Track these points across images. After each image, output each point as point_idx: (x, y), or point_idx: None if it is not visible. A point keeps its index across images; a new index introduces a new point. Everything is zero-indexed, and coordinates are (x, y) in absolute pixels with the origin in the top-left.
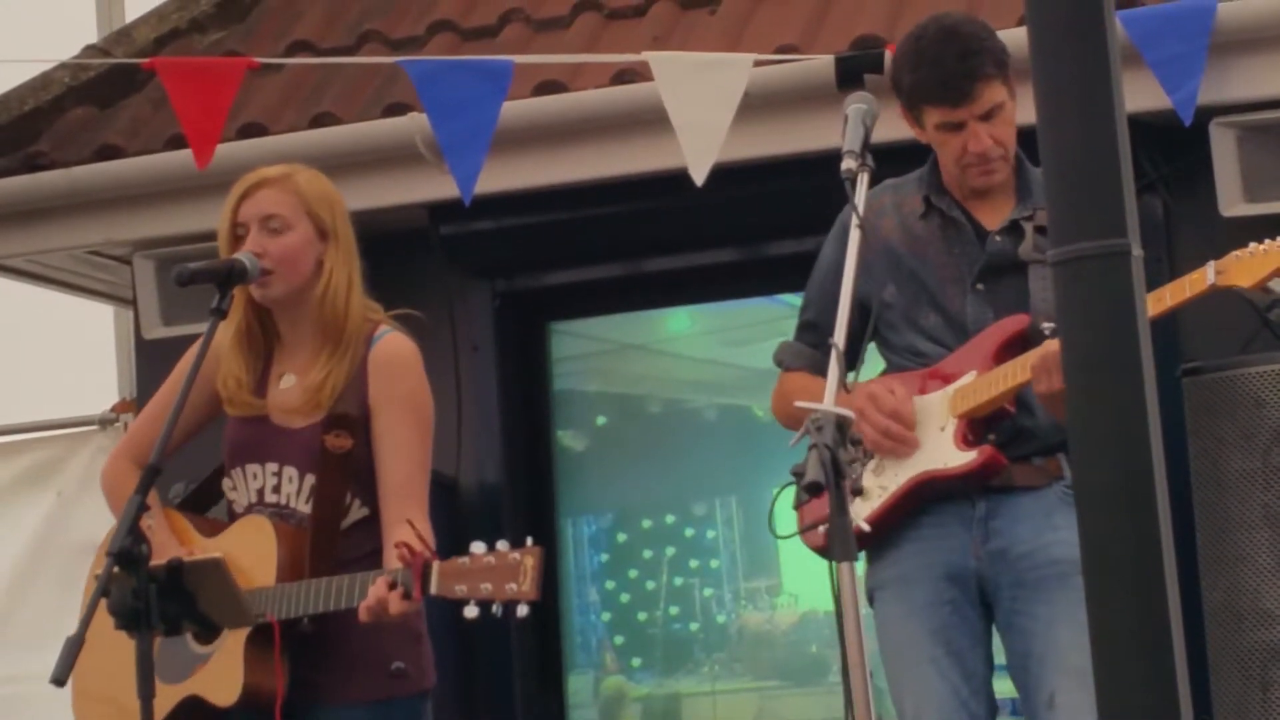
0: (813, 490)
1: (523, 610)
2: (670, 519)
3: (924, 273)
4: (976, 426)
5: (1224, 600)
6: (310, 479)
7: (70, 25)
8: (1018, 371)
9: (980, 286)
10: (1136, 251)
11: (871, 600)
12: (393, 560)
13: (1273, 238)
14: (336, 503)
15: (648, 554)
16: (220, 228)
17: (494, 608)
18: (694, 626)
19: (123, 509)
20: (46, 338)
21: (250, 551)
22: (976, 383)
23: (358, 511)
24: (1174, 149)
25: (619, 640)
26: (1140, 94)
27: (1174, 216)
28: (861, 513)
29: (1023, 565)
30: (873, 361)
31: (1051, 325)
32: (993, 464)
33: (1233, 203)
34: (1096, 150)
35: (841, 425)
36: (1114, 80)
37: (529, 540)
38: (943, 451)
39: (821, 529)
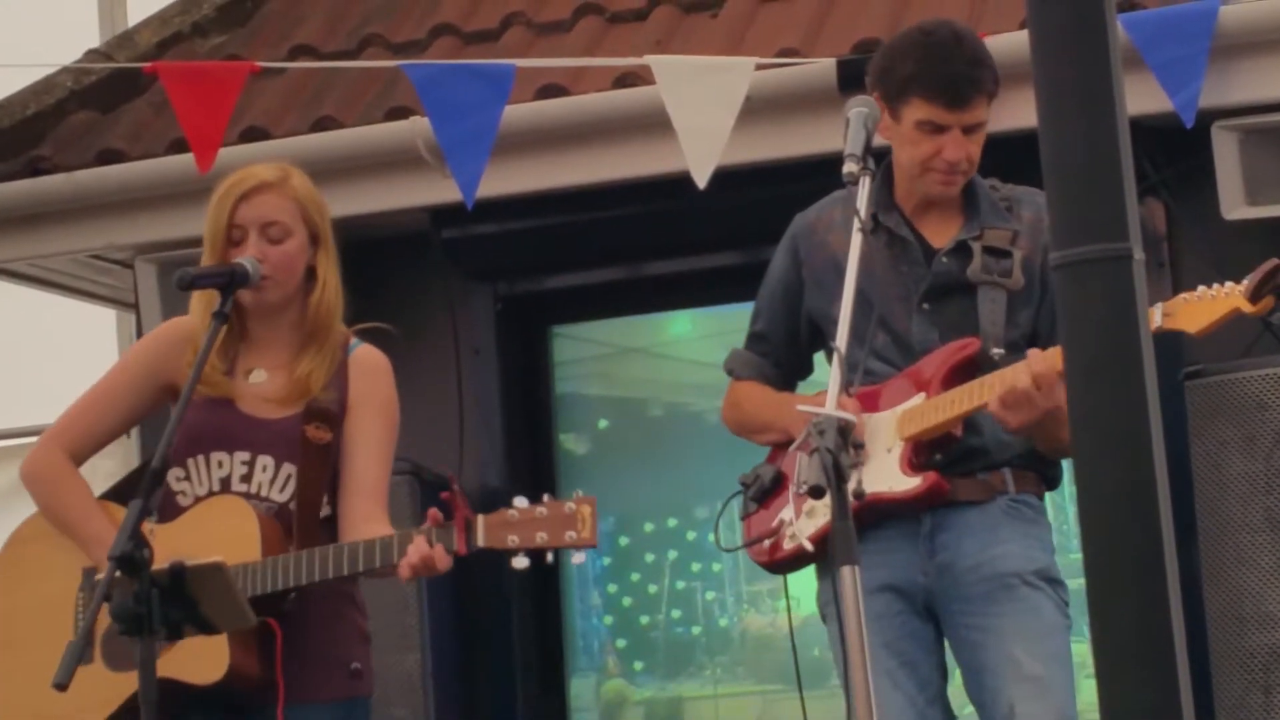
0: (815, 494)
1: (579, 557)
2: (672, 522)
3: (871, 290)
4: (923, 449)
5: (1226, 603)
6: (288, 468)
7: (72, 29)
8: (969, 398)
9: (926, 306)
10: (1138, 255)
11: (824, 618)
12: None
13: (1274, 242)
14: (317, 492)
15: (650, 557)
16: (214, 226)
17: (548, 555)
18: (696, 630)
19: (69, 503)
20: (48, 342)
21: (226, 531)
22: (924, 406)
23: (324, 508)
24: (1176, 152)
25: (621, 643)
26: (1142, 97)
27: (1176, 219)
28: (805, 531)
29: (970, 579)
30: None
31: (1001, 351)
32: (936, 490)
33: (1234, 205)
34: (1098, 153)
35: (843, 429)
36: (1115, 83)
37: (578, 491)
38: (888, 474)
39: (766, 543)
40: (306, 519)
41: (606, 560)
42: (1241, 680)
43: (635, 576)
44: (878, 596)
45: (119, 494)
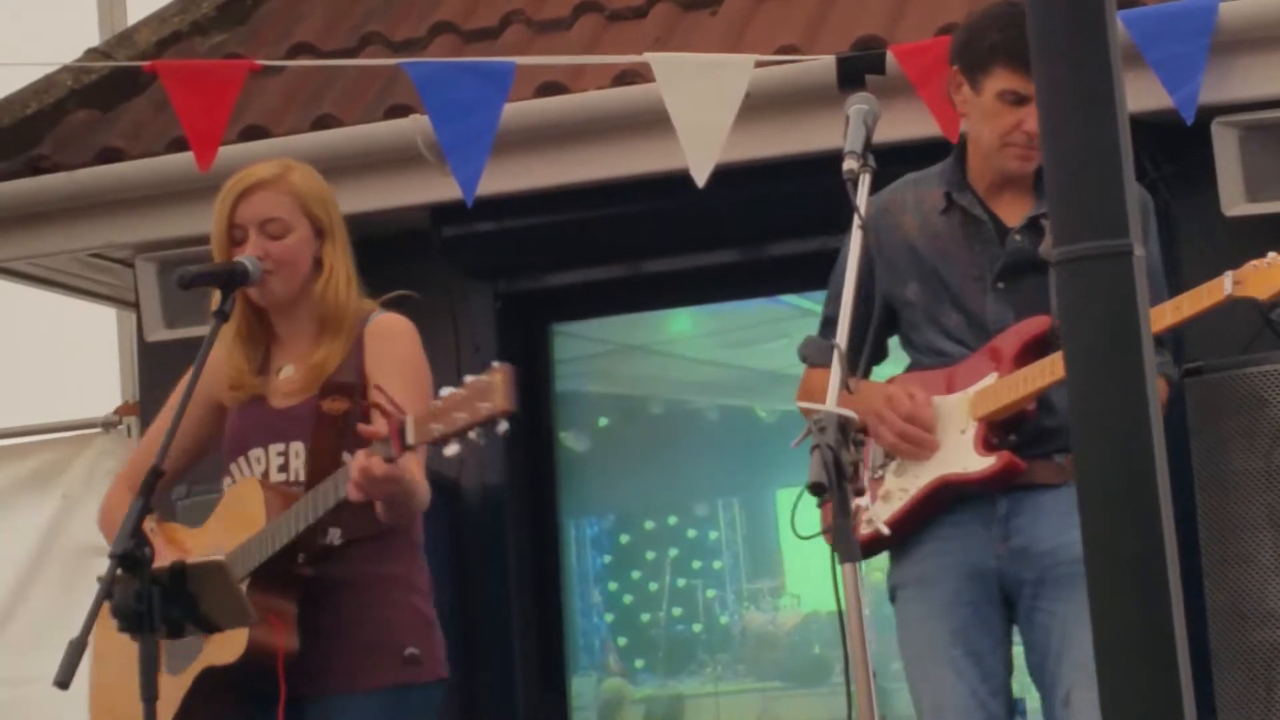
0: (816, 491)
1: (502, 427)
2: (673, 520)
3: (945, 271)
4: (997, 428)
5: (1227, 600)
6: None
7: (72, 28)
8: (1041, 374)
9: (1001, 285)
10: (1138, 251)
11: (893, 599)
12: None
13: (1275, 239)
14: (329, 458)
15: (650, 555)
16: (216, 229)
17: (474, 434)
18: (697, 628)
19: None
20: (49, 341)
21: (241, 511)
22: (997, 385)
23: None
24: (1176, 148)
25: (622, 642)
26: (1142, 93)
27: (1176, 216)
28: (882, 515)
29: (1045, 563)
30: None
31: None
32: (1011, 469)
33: (1235, 202)
34: (1098, 150)
35: (844, 426)
36: (1115, 80)
37: (494, 363)
38: (962, 455)
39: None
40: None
41: (607, 558)
42: (1243, 677)
43: (636, 574)
44: (950, 583)
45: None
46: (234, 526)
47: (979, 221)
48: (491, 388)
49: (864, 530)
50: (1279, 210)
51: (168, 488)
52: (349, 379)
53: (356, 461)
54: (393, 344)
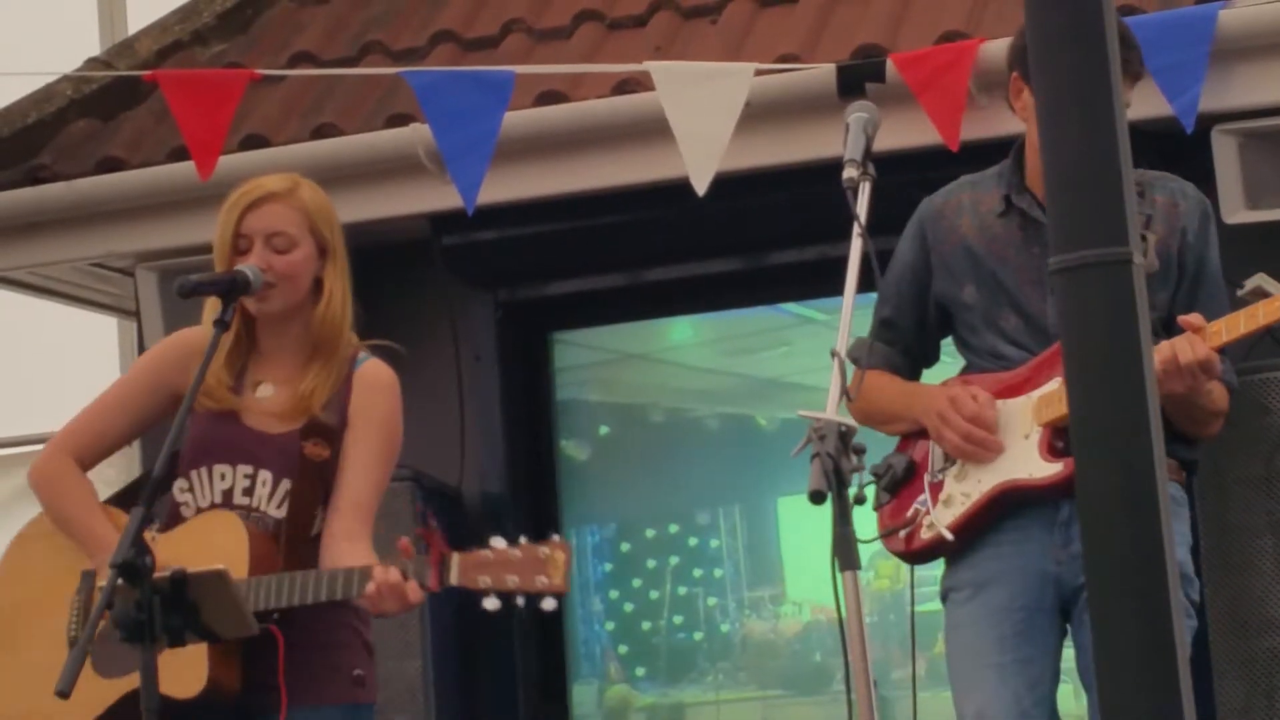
0: (816, 499)
1: (550, 604)
2: (674, 528)
3: (1003, 274)
4: (1062, 434)
5: (1228, 607)
6: (286, 484)
7: (72, 38)
8: None
9: None
10: (1138, 260)
11: (944, 599)
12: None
13: (1275, 247)
14: (310, 509)
15: (651, 563)
16: (220, 236)
17: (518, 599)
18: (698, 636)
19: (72, 506)
20: (50, 350)
21: (217, 546)
22: (1062, 390)
23: (318, 525)
24: (1175, 156)
25: (623, 650)
26: (1141, 101)
27: None
28: (944, 520)
29: None
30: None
31: None
32: None
33: (1235, 210)
34: (1097, 158)
35: (844, 435)
36: (1115, 87)
37: (555, 536)
38: (1027, 461)
39: (902, 533)
40: (296, 536)
41: (608, 566)
42: (1244, 685)
43: (637, 582)
44: (1005, 588)
45: (121, 500)
46: (205, 557)
47: (1038, 224)
48: (552, 564)
49: (925, 535)
50: (1279, 218)
51: (94, 463)
52: (332, 422)
53: (387, 576)
54: (377, 399)
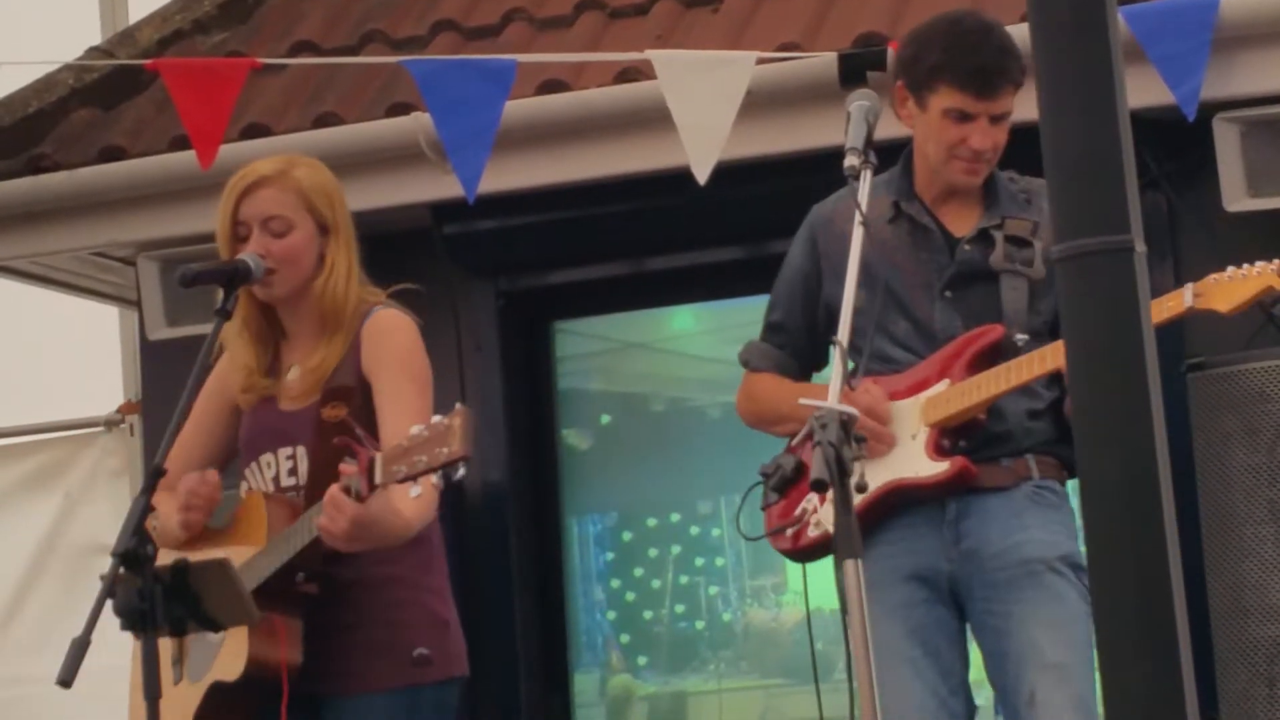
0: (818, 488)
1: (459, 472)
2: (675, 517)
3: (892, 279)
4: (948, 434)
5: (1229, 595)
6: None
7: (73, 27)
8: (994, 383)
9: (949, 294)
10: (1140, 248)
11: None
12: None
13: (1276, 234)
14: (332, 468)
15: (653, 552)
16: (220, 226)
17: (435, 479)
18: (699, 625)
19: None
20: (52, 339)
21: (247, 525)
22: (949, 392)
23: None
24: (1177, 145)
25: (625, 639)
26: (1143, 90)
27: (1178, 212)
28: (830, 518)
29: (994, 565)
30: None
31: (1025, 337)
32: (965, 474)
33: (1236, 198)
34: (1099, 146)
35: (845, 423)
36: (1116, 76)
37: (458, 404)
38: (914, 460)
39: (789, 532)
40: (316, 498)
41: (610, 555)
42: (1245, 673)
43: (638, 572)
44: (902, 585)
45: None
46: (242, 540)
47: (927, 230)
48: (450, 432)
49: (812, 533)
50: None
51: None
52: (347, 382)
53: (328, 499)
54: (389, 341)
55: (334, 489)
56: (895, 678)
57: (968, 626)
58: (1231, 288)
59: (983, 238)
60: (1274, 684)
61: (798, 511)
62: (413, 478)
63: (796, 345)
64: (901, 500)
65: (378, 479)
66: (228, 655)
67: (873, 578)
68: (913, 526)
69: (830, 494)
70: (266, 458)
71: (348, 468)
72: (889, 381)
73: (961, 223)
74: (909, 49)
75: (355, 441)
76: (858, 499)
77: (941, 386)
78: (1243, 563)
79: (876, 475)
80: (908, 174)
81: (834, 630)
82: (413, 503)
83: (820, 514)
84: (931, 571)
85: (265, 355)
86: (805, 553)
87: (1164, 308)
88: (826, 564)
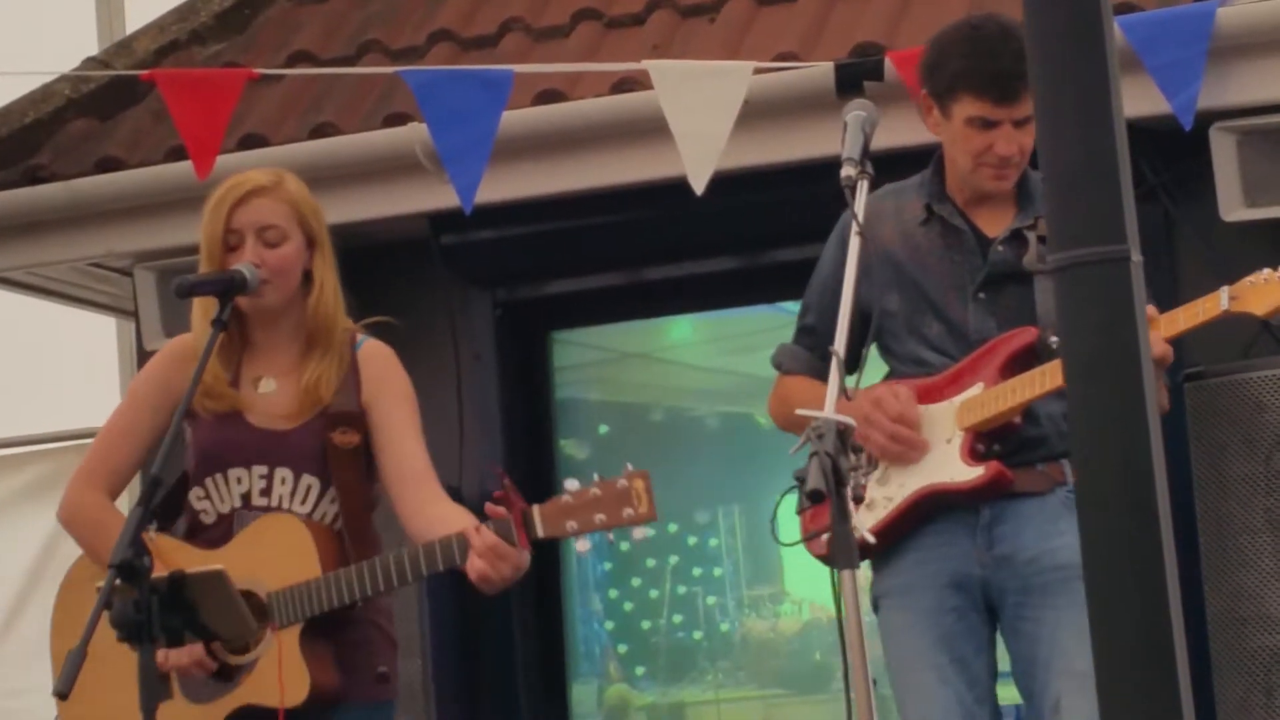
0: (815, 498)
1: (641, 533)
2: (673, 527)
3: (925, 281)
4: (983, 438)
5: (1227, 605)
6: (307, 479)
7: (70, 37)
8: (1029, 386)
9: (982, 295)
10: (1136, 257)
11: (876, 608)
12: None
13: (1274, 244)
14: (360, 495)
15: (651, 562)
16: (210, 233)
17: (610, 535)
18: (697, 635)
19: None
20: (48, 350)
21: (280, 547)
22: (984, 396)
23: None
24: (1174, 154)
25: (622, 649)
26: (1140, 99)
27: (1175, 222)
28: (866, 523)
29: (1028, 570)
30: (873, 366)
31: (1059, 340)
32: (1000, 480)
33: (1233, 208)
34: (1096, 156)
35: (843, 433)
36: (1113, 86)
37: (629, 465)
38: (949, 465)
39: (825, 536)
40: (357, 526)
41: (608, 565)
42: (1243, 682)
43: (636, 581)
44: (933, 591)
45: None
46: (272, 562)
47: (959, 232)
48: (635, 495)
49: None
50: (1277, 216)
51: (119, 491)
52: (351, 408)
53: (484, 539)
54: (390, 374)
55: (491, 537)
56: (921, 684)
57: (998, 636)
58: (1268, 290)
59: (1016, 238)
60: (1271, 693)
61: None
62: (585, 534)
63: (828, 348)
64: (936, 505)
65: (539, 531)
66: (275, 680)
67: (905, 583)
68: (947, 532)
69: (868, 498)
70: (236, 472)
71: (498, 511)
72: (922, 385)
73: (994, 223)
74: (930, 57)
75: (511, 493)
76: (894, 503)
77: (976, 390)
78: (1240, 572)
79: (911, 480)
80: (939, 175)
81: (833, 640)
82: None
83: (856, 519)
84: (964, 578)
85: (231, 364)
86: None
87: (1200, 310)
88: (824, 574)
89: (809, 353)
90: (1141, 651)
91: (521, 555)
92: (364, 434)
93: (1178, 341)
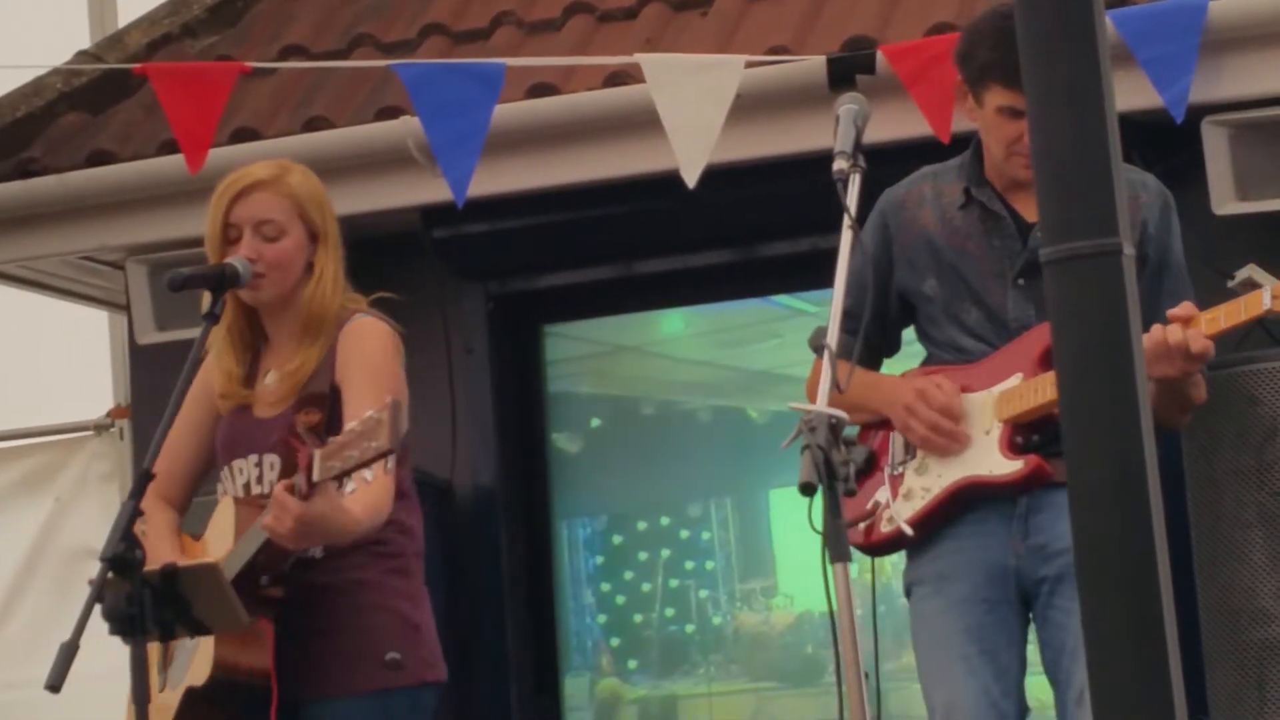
0: (805, 491)
1: (388, 466)
2: (665, 521)
3: (964, 266)
4: (1022, 429)
5: (1219, 598)
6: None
7: (62, 31)
8: None
9: (1022, 282)
10: (1128, 250)
11: (908, 594)
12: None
13: (1265, 237)
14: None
15: (643, 556)
16: (210, 228)
17: (367, 472)
18: (690, 628)
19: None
20: (41, 343)
21: (218, 530)
22: (1023, 387)
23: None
24: (1166, 147)
25: (615, 642)
26: (1131, 92)
27: None
28: (904, 513)
29: (1062, 560)
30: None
31: None
32: (1039, 473)
33: (1225, 201)
34: (1088, 149)
35: (834, 426)
36: (1105, 79)
37: (388, 397)
38: (988, 457)
39: (861, 526)
40: None
41: (600, 559)
42: (1235, 676)
43: (628, 575)
44: (967, 580)
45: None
46: (214, 546)
47: (999, 217)
48: (379, 425)
49: (885, 528)
50: (1269, 209)
51: (189, 495)
52: (321, 389)
53: (273, 498)
54: (360, 346)
55: (279, 488)
56: (948, 673)
57: (1029, 629)
58: None
59: None
60: (1263, 686)
61: (869, 505)
62: (346, 473)
63: (867, 332)
64: (974, 496)
65: (315, 476)
66: (198, 659)
67: (940, 570)
68: (984, 521)
69: (903, 487)
70: (239, 464)
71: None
72: (961, 373)
73: (1034, 209)
74: (962, 46)
75: (297, 439)
76: (932, 494)
77: (1014, 380)
78: (1232, 566)
79: (949, 471)
80: (978, 160)
81: (826, 634)
82: (362, 498)
83: (894, 509)
84: (999, 568)
85: (247, 360)
86: (878, 547)
87: (1243, 308)
88: (817, 567)
89: (848, 336)
90: (1133, 644)
91: (304, 506)
92: (327, 413)
93: None
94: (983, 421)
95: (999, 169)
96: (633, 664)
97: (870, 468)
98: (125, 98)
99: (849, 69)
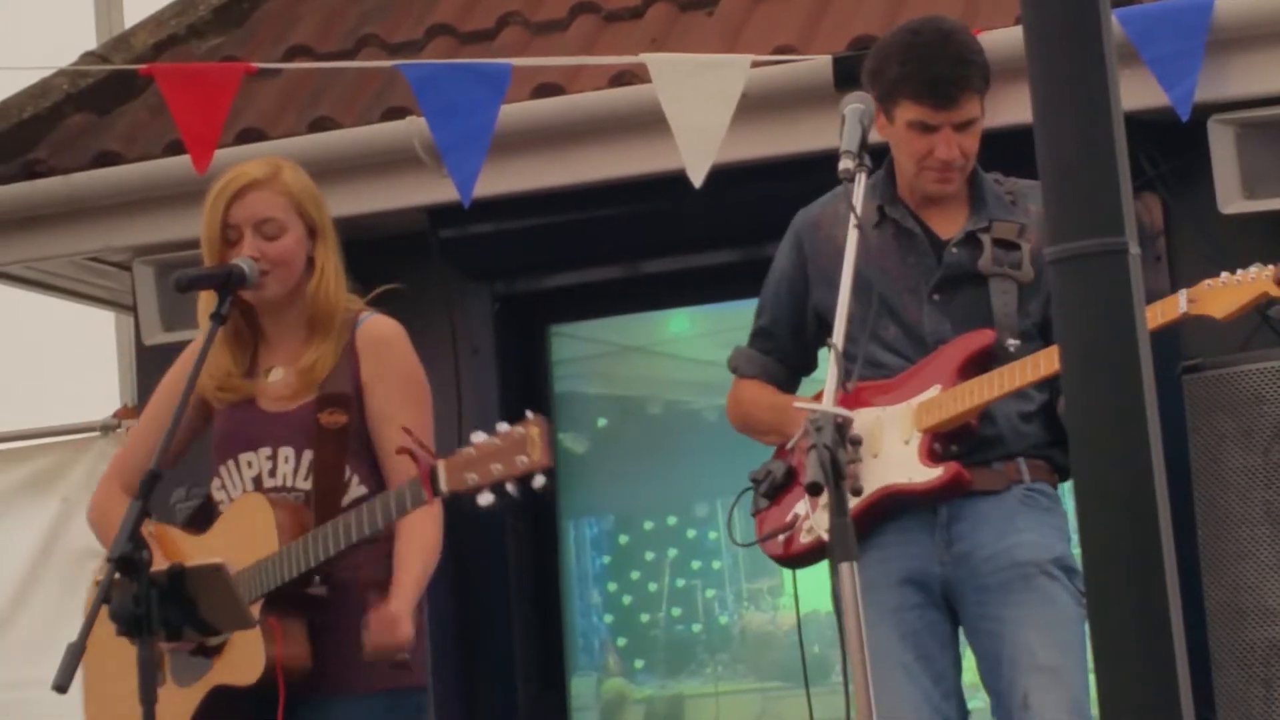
0: (813, 491)
1: (539, 481)
2: (672, 520)
3: (880, 283)
4: (941, 439)
5: (1226, 597)
6: (309, 455)
7: (69, 32)
8: (987, 389)
9: (937, 297)
10: (1134, 249)
11: (836, 605)
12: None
13: (1272, 236)
14: (336, 474)
15: (650, 556)
16: (208, 230)
17: (509, 488)
18: (696, 628)
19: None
20: (48, 344)
21: (248, 527)
22: (941, 397)
23: (356, 489)
24: (1172, 147)
25: (621, 642)
26: (1138, 91)
27: (1173, 214)
28: (824, 524)
29: (987, 569)
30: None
31: (1016, 342)
32: (958, 480)
33: (1231, 200)
34: (1094, 148)
35: (841, 426)
36: (1111, 78)
37: (529, 414)
38: (907, 466)
39: (781, 537)
40: (326, 504)
41: (606, 559)
42: (1241, 674)
43: (635, 575)
44: (895, 589)
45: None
46: (241, 543)
47: (912, 234)
48: (529, 441)
49: (804, 539)
50: (1276, 208)
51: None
52: (344, 390)
53: (377, 620)
54: (388, 353)
55: (383, 612)
56: (889, 682)
57: (960, 631)
58: (1226, 294)
59: (970, 241)
60: (1270, 685)
61: (789, 517)
62: (486, 486)
63: (784, 351)
64: (894, 505)
65: (442, 487)
66: (238, 659)
67: (866, 581)
68: (905, 530)
69: (823, 499)
70: (246, 456)
71: (404, 450)
72: (880, 387)
73: (947, 225)
74: (872, 62)
75: (418, 449)
76: (853, 503)
77: (934, 392)
78: (1238, 564)
79: (869, 481)
80: (891, 178)
81: (830, 633)
82: (432, 525)
83: (812, 520)
84: (924, 575)
85: (245, 357)
86: (797, 559)
87: (1158, 313)
88: (820, 568)
89: (764, 356)
90: (1140, 643)
91: (395, 625)
92: (353, 415)
93: (1175, 332)
94: (902, 432)
95: (911, 185)
96: (639, 663)
97: (790, 481)
98: (131, 98)
99: (855, 68)
